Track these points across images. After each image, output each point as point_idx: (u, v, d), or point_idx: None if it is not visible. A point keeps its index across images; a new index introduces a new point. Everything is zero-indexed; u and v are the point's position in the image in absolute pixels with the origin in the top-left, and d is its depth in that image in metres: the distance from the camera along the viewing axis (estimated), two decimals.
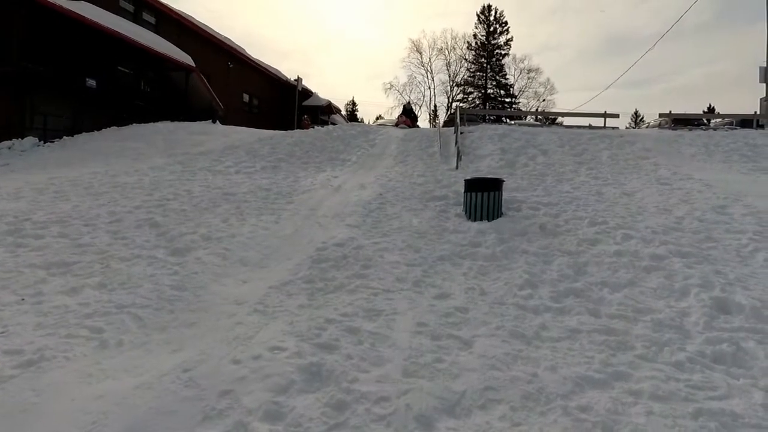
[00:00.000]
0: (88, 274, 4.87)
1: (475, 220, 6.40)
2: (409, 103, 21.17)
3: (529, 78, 48.45)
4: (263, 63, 28.86)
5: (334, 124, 20.42)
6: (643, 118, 53.36)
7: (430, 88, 51.34)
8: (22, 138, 14.74)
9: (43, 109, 15.66)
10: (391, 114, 41.90)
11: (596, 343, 3.39)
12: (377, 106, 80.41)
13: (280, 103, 29.48)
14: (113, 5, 18.43)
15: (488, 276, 4.73)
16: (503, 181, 6.71)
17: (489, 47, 47.25)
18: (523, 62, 48.90)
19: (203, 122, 18.08)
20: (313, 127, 16.60)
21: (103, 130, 16.44)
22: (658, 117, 18.07)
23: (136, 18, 19.64)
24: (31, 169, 11.64)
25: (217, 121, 19.46)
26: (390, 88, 55.72)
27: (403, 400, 2.67)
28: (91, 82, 17.18)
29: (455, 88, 48.89)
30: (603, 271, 4.69)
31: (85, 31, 16.18)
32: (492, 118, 22.76)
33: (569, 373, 2.95)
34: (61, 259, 5.23)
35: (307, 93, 29.40)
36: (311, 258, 5.35)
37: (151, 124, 17.16)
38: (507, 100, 46.92)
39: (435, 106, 49.79)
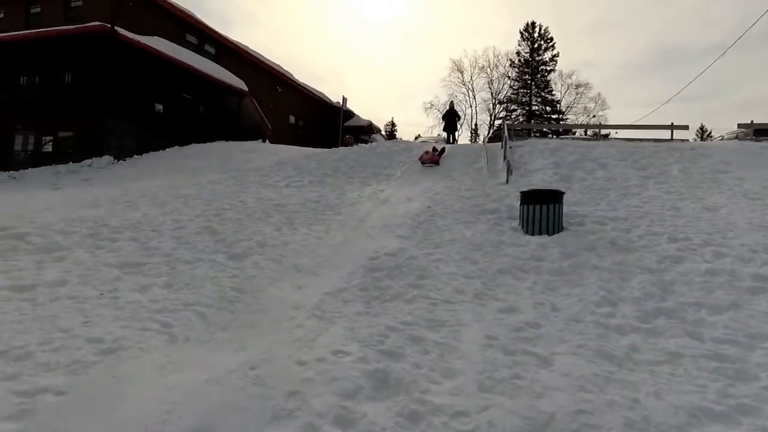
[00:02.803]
0: (156, 274, 5.10)
1: (533, 234, 6.17)
2: (452, 102, 19.99)
3: (577, 93, 46.93)
4: (308, 86, 29.84)
5: (374, 143, 20.61)
6: (711, 132, 50.57)
7: (471, 106, 50.52)
8: (100, 157, 15.97)
9: (117, 131, 16.86)
10: (431, 132, 41.53)
11: (706, 369, 3.08)
12: (416, 126, 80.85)
13: (323, 124, 30.29)
14: (180, 38, 19.74)
15: (557, 291, 4.50)
16: (563, 193, 6.45)
17: (533, 64, 46.36)
18: (570, 78, 47.58)
19: (254, 141, 18.82)
20: (357, 145, 16.80)
21: (168, 149, 17.51)
22: (736, 128, 16.85)
23: (198, 49, 20.90)
24: (107, 183, 12.58)
25: (267, 141, 20.15)
26: (430, 108, 55.54)
27: (484, 416, 2.52)
28: (159, 107, 18.37)
29: (498, 105, 48.32)
30: (695, 291, 4.33)
31: (156, 62, 17.40)
32: (538, 132, 22.17)
33: (679, 402, 2.68)
34: (133, 260, 5.56)
35: (349, 114, 30.01)
36: (364, 267, 5.32)
37: (208, 143, 18.04)
38: (554, 116, 45.67)
39: (476, 124, 49.28)
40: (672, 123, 13.63)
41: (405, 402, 2.63)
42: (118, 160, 16.28)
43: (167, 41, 18.27)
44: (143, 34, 17.13)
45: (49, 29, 16.72)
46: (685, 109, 59.89)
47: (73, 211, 8.10)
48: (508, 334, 3.60)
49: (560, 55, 47.44)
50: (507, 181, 9.32)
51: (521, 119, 44.01)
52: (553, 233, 6.09)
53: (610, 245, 5.50)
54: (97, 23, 15.95)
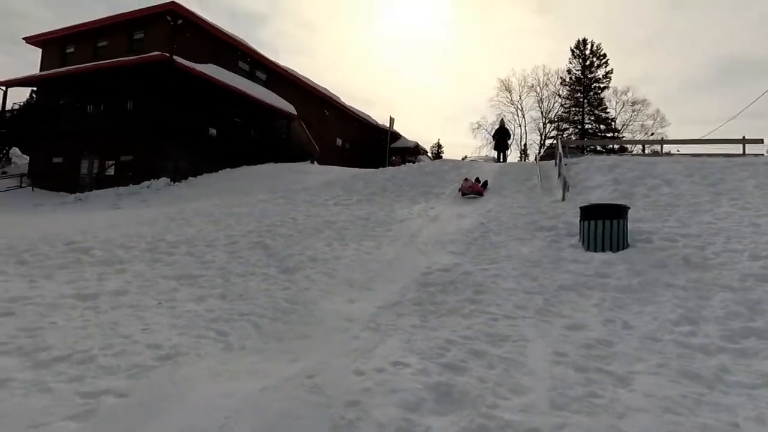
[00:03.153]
0: (211, 286, 5.18)
1: (595, 251, 5.82)
2: (503, 120, 19.34)
3: (633, 111, 44.50)
4: (355, 109, 30.43)
5: (422, 162, 20.51)
6: None
7: (520, 126, 49.27)
8: (158, 179, 16.86)
9: (173, 155, 17.78)
10: (479, 152, 40.76)
11: None
12: (462, 147, 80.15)
13: (370, 146, 30.66)
14: (233, 65, 20.76)
15: (627, 309, 4.17)
16: (628, 208, 6.08)
17: (585, 81, 44.52)
18: (625, 94, 45.01)
19: (302, 163, 19.23)
20: (404, 165, 16.78)
21: (220, 171, 18.24)
22: None
23: (250, 75, 21.86)
24: (164, 203, 13.20)
25: (315, 162, 20.57)
26: (477, 128, 54.34)
27: None
28: (212, 131, 19.27)
29: (548, 124, 46.88)
30: None
31: (209, 88, 18.36)
32: (592, 150, 21.23)
33: None
34: (188, 272, 5.69)
35: (395, 135, 30.27)
36: (417, 282, 5.18)
37: (258, 165, 18.61)
38: (608, 134, 43.59)
39: (525, 144, 48.01)
40: (744, 137, 12.74)
41: (472, 417, 2.44)
42: (174, 182, 17.07)
43: (221, 68, 19.24)
44: (198, 62, 18.13)
45: (113, 60, 18.03)
46: (753, 126, 55.74)
47: (132, 228, 8.46)
48: (577, 351, 3.32)
49: (614, 71, 44.71)
50: (563, 198, 8.96)
51: (574, 138, 42.51)
52: (618, 250, 5.71)
53: (683, 262, 5.09)
54: (156, 53, 17.04)
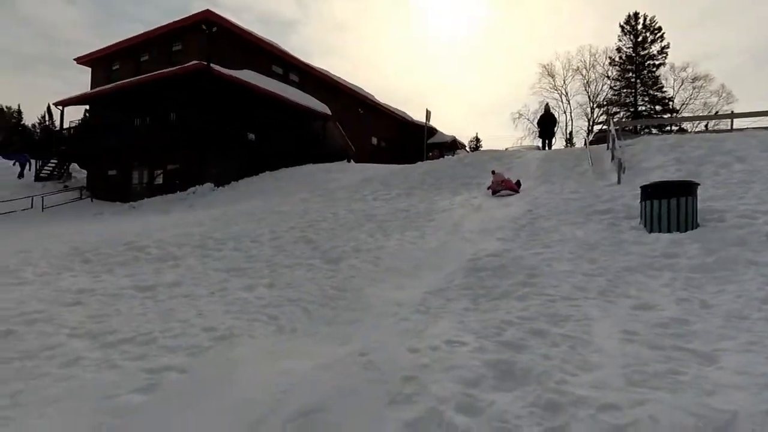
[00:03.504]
0: (259, 276, 5.26)
1: (660, 232, 5.46)
2: (548, 105, 18.12)
3: (694, 88, 40.08)
4: (390, 106, 30.36)
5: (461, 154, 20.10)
6: None
7: (565, 112, 46.20)
8: (202, 185, 17.46)
9: (215, 161, 18.36)
10: (521, 143, 38.88)
11: None
12: (501, 139, 78.10)
13: (405, 142, 30.50)
14: (267, 70, 21.19)
15: (704, 288, 3.86)
16: (697, 184, 5.66)
17: (638, 59, 40.66)
18: (684, 71, 40.45)
19: (339, 162, 19.38)
20: (443, 158, 16.50)
21: (260, 174, 18.64)
22: None
23: (284, 78, 22.24)
24: (208, 207, 13.64)
25: (351, 161, 20.67)
26: (518, 118, 51.69)
27: (642, 410, 2.10)
28: (251, 136, 19.75)
29: (596, 109, 43.06)
30: None
31: (246, 94, 18.82)
32: (647, 130, 19.88)
33: None
34: (237, 265, 5.81)
35: (432, 131, 29.99)
36: (465, 268, 5.02)
37: (296, 167, 18.89)
38: (665, 116, 39.02)
39: (571, 132, 45.53)
40: None
41: (539, 392, 2.28)
42: (218, 187, 17.62)
43: (255, 73, 19.64)
44: (234, 69, 18.59)
45: (154, 73, 18.76)
46: None
47: (182, 229, 8.74)
48: (650, 330, 3.08)
49: (670, 46, 40.57)
50: (618, 182, 8.51)
51: (625, 126, 39.59)
52: (686, 230, 5.32)
53: (767, 239, 4.69)
54: (194, 62, 17.60)
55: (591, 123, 43.17)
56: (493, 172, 10.03)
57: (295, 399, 2.36)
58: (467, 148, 36.20)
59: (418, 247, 6.22)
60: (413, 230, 7.06)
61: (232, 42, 19.79)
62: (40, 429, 2.33)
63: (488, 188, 9.74)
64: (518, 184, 9.61)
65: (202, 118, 17.82)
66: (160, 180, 19.40)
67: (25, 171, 22.98)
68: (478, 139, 52.97)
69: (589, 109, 43.96)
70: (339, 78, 26.03)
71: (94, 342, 3.42)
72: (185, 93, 18.26)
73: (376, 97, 29.20)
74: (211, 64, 17.38)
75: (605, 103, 42.48)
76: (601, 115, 42.25)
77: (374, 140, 29.09)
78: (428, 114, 21.90)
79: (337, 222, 8.09)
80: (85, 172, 22.81)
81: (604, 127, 24.82)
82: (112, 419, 2.37)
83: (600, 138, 16.41)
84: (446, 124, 77.67)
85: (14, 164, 23.52)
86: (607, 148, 11.49)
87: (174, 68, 18.32)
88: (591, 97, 43.82)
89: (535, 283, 4.31)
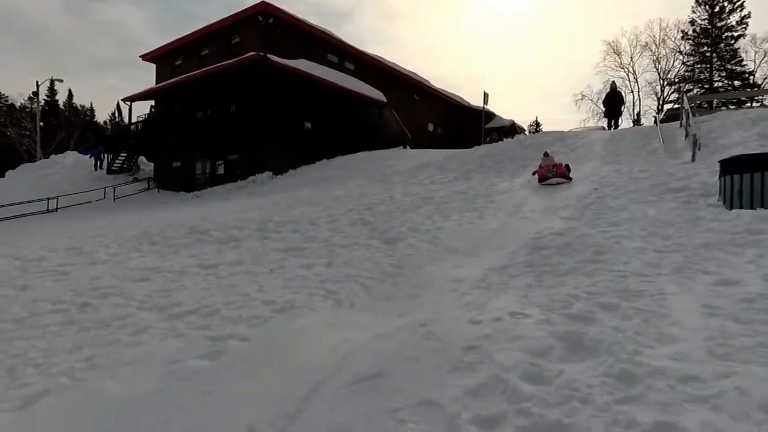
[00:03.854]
0: (317, 256, 5.34)
1: (741, 208, 4.97)
2: (614, 83, 16.82)
3: None
4: (446, 91, 29.77)
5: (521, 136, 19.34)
6: None
7: (632, 92, 43.08)
8: (261, 173, 18.05)
9: (274, 150, 18.88)
10: (584, 125, 36.73)
11: None
12: (563, 123, 74.53)
13: (462, 128, 29.82)
14: (322, 58, 21.38)
15: None
16: None
17: (714, 32, 36.71)
18: None
19: (395, 149, 19.32)
20: (501, 141, 15.98)
21: (317, 162, 18.95)
22: None
23: (339, 66, 22.35)
24: (267, 194, 14.08)
25: (407, 147, 20.55)
26: (581, 99, 48.84)
27: (728, 382, 1.92)
28: (307, 125, 20.11)
29: (667, 87, 39.51)
30: None
31: (302, 83, 19.14)
32: (723, 105, 18.01)
33: None
34: (296, 245, 5.95)
35: (490, 115, 29.13)
36: (527, 246, 4.84)
37: (352, 155, 19.03)
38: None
39: (639, 113, 42.40)
40: None
41: (611, 363, 2.14)
42: (276, 175, 18.13)
43: (311, 62, 19.90)
44: (290, 59, 18.91)
45: (214, 66, 19.45)
46: None
47: (243, 214, 9.07)
48: (735, 305, 2.80)
49: (751, 15, 36.26)
50: (693, 159, 7.85)
51: (699, 102, 36.23)
52: None
53: None
54: (252, 53, 18.07)
55: (661, 102, 39.95)
56: (546, 155, 8.58)
57: (355, 365, 2.36)
58: (527, 132, 34.87)
59: (477, 227, 6.07)
60: (472, 211, 6.91)
61: (288, 32, 20.12)
62: (113, 389, 2.48)
63: (534, 173, 8.42)
64: (567, 168, 8.30)
65: (260, 108, 18.35)
66: (221, 170, 20.25)
67: (103, 163, 24.80)
68: (538, 123, 50.86)
69: (658, 88, 40.69)
70: (394, 64, 25.83)
71: (161, 313, 3.61)
72: (244, 85, 18.86)
73: (431, 82, 28.74)
74: (269, 55, 17.79)
75: (677, 80, 39.08)
76: (672, 93, 38.95)
77: (430, 126, 28.73)
78: (486, 97, 21.19)
79: (393, 205, 8.08)
80: (152, 164, 24.25)
81: (675, 105, 22.90)
82: (178, 381, 2.48)
83: (671, 116, 15.21)
84: (504, 110, 75.25)
85: (90, 158, 25.45)
86: (680, 125, 10.63)
87: (232, 60, 18.92)
88: (661, 75, 40.47)
89: (603, 260, 4.06)
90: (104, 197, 19.91)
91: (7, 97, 46.98)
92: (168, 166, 22.50)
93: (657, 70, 40.65)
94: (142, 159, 25.46)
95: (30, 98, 41.59)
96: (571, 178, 7.94)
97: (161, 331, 3.17)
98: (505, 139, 15.36)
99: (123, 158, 24.59)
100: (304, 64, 19.32)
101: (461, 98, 31.20)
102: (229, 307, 3.55)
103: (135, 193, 21.03)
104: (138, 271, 5.05)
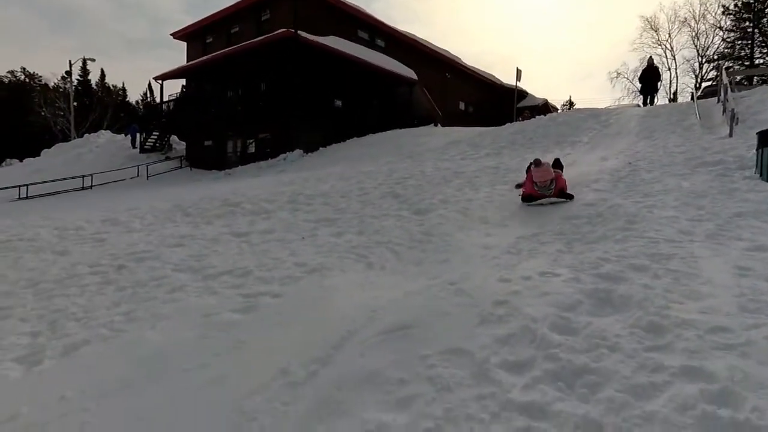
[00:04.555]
0: (348, 226, 5.45)
1: None
2: (651, 59, 15.95)
3: None
4: (477, 69, 29.14)
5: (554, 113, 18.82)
6: None
7: (669, 69, 41.27)
8: (292, 151, 18.24)
9: (304, 129, 19.01)
10: (618, 103, 35.31)
11: None
12: (596, 101, 71.69)
13: (494, 106, 29.24)
14: (353, 35, 21.16)
15: None
16: None
17: (756, 6, 34.45)
18: None
19: (426, 127, 19.15)
20: (534, 118, 15.63)
21: (347, 141, 18.98)
22: None
23: (370, 43, 22.09)
24: (298, 171, 14.29)
25: (438, 125, 20.34)
26: (616, 77, 46.78)
27: (757, 332, 1.94)
28: (338, 103, 20.12)
29: (705, 65, 37.66)
30: None
31: (332, 60, 19.07)
32: (763, 80, 16.97)
33: None
34: (326, 216, 6.07)
35: (522, 93, 28.42)
36: (559, 216, 4.84)
37: (382, 133, 18.95)
38: None
39: (675, 91, 40.43)
40: None
41: (639, 316, 2.17)
42: (306, 153, 18.30)
43: (341, 39, 19.73)
44: (320, 35, 18.80)
45: (244, 44, 19.51)
46: None
47: (274, 188, 9.26)
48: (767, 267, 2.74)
49: None
50: (730, 134, 7.56)
51: (738, 77, 34.24)
52: None
53: None
54: (281, 30, 18.03)
55: (699, 80, 38.03)
56: (539, 164, 5.62)
57: (385, 318, 2.45)
58: (560, 112, 33.95)
59: (508, 199, 6.06)
60: (503, 185, 6.89)
61: (318, 8, 19.96)
62: (153, 338, 2.64)
63: (518, 186, 6.33)
64: (557, 165, 6.35)
65: (291, 86, 18.42)
66: (252, 149, 20.56)
67: (136, 142, 25.54)
68: (571, 103, 49.28)
69: (696, 65, 38.67)
70: (425, 41, 25.36)
71: (196, 275, 3.78)
72: (274, 63, 18.95)
73: (463, 60, 28.15)
74: (299, 32, 17.76)
75: (716, 57, 37.05)
76: (711, 70, 37.00)
77: (461, 105, 28.26)
78: (519, 73, 20.60)
79: (424, 179, 8.10)
80: (184, 143, 24.77)
81: (714, 82, 21.70)
82: (214, 332, 2.63)
83: (709, 93, 14.55)
84: (537, 89, 73.36)
85: (126, 136, 26.25)
86: (718, 101, 10.19)
87: (262, 37, 18.95)
88: (699, 51, 38.39)
89: (635, 228, 4.02)
90: (138, 175, 20.51)
91: (40, 77, 48.48)
92: (199, 144, 22.95)
93: (696, 46, 38.64)
94: (174, 138, 26.00)
95: (63, 78, 42.68)
96: (572, 196, 5.44)
97: (196, 289, 3.34)
98: (537, 117, 15.03)
99: (155, 137, 25.15)
100: (334, 41, 19.19)
101: (493, 77, 30.48)
102: (261, 269, 3.70)
103: (167, 171, 21.60)
104: (172, 238, 5.26)
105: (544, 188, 5.40)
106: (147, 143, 25.08)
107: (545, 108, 29.06)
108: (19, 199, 15.83)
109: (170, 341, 2.54)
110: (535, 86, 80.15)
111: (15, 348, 2.61)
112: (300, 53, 18.08)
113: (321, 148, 18.61)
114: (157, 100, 25.42)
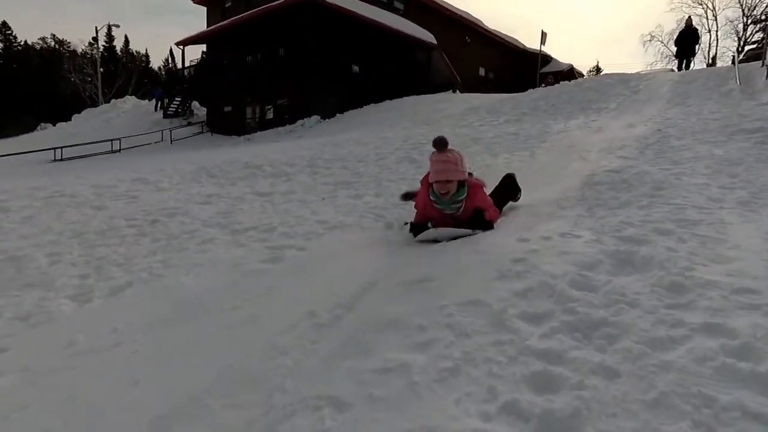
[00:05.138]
0: (366, 189, 5.51)
1: None
2: (690, 19, 15.07)
3: None
4: (499, 33, 28.21)
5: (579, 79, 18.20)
6: None
7: (709, 31, 38.81)
8: (309, 117, 18.23)
9: (322, 95, 18.89)
10: (651, 68, 33.54)
11: None
12: (626, 67, 68.63)
13: (515, 71, 28.41)
14: None
15: None
16: None
17: None
18: None
19: (444, 93, 18.83)
20: (559, 84, 15.19)
21: (364, 107, 18.85)
22: None
23: (388, 6, 21.55)
24: (315, 137, 14.35)
25: (457, 91, 19.97)
26: (650, 40, 43.88)
27: None
28: (355, 68, 19.84)
29: (750, 26, 34.97)
30: None
31: (350, 24, 18.68)
32: None
33: None
34: (345, 180, 6.14)
35: (546, 58, 27.49)
36: (580, 182, 4.72)
37: (399, 99, 18.74)
38: None
39: (715, 56, 38.08)
40: None
41: (661, 275, 2.15)
42: (324, 119, 18.27)
43: (359, 1, 19.26)
44: None
45: (262, 7, 19.23)
46: None
47: (293, 153, 9.34)
48: None
49: None
50: None
51: None
52: None
53: None
54: None
55: (742, 42, 35.80)
56: (440, 146, 3.54)
57: (405, 271, 2.49)
58: (585, 77, 32.82)
59: (527, 165, 5.99)
60: (522, 150, 6.80)
61: None
62: (188, 282, 2.78)
63: (406, 197, 4.07)
64: (512, 183, 4.18)
65: (308, 51, 18.22)
66: (270, 114, 20.60)
67: (159, 105, 25.86)
68: (598, 69, 47.46)
69: (740, 26, 36.36)
70: (445, 3, 24.63)
71: (224, 230, 3.92)
72: (292, 27, 18.71)
73: (484, 22, 27.30)
74: None
75: (764, 16, 34.81)
76: (757, 32, 34.83)
77: (481, 71, 27.55)
78: (543, 36, 19.91)
79: None
80: (205, 109, 24.98)
81: (759, 45, 20.58)
82: (244, 279, 2.76)
83: (752, 56, 13.84)
84: (562, 54, 70.61)
85: (150, 100, 26.64)
86: (762, 65, 9.71)
87: (281, 0, 18.66)
88: (745, 11, 36.05)
89: (661, 195, 3.93)
90: (162, 140, 20.99)
91: (69, 43, 49.11)
92: (220, 110, 23.10)
93: (741, 5, 36.14)
94: (195, 104, 26.22)
95: (90, 44, 43.27)
96: (491, 225, 3.25)
97: (225, 242, 3.49)
98: (561, 83, 14.61)
99: (177, 103, 25.38)
100: (352, 3, 18.80)
101: (516, 41, 29.53)
102: (284, 226, 3.82)
103: (189, 136, 22.00)
104: (199, 196, 5.44)
105: (444, 203, 3.18)
106: (170, 109, 25.40)
107: (570, 74, 28.13)
108: (55, 160, 16.59)
109: (204, 286, 2.73)
110: (560, 52, 77.34)
111: (67, 288, 2.88)
112: (317, 16, 17.78)
113: (338, 114, 18.56)
114: (179, 65, 25.47)
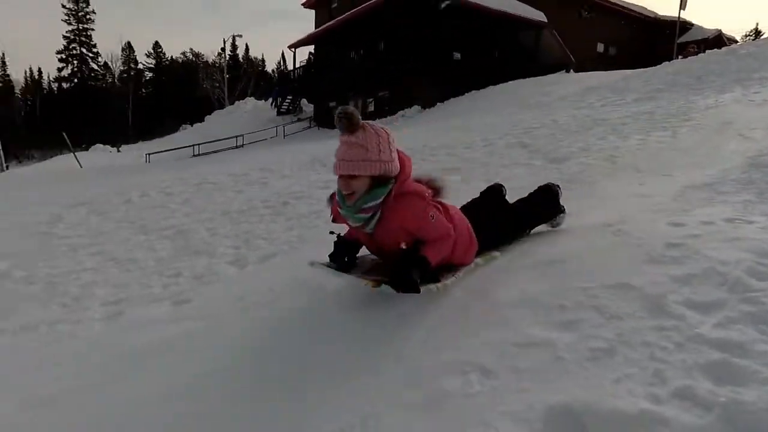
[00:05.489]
0: (472, 174, 5.40)
1: None
2: None
3: None
4: (622, 1, 25.49)
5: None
6: None
7: None
8: (410, 107, 18.40)
9: (422, 85, 18.89)
10: None
11: None
12: None
13: (643, 45, 25.39)
14: None
15: None
16: None
17: None
18: None
19: (555, 74, 17.74)
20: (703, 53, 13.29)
21: (465, 94, 18.48)
22: None
23: None
24: (415, 126, 14.38)
25: (571, 71, 18.70)
26: None
27: None
28: (456, 56, 19.50)
29: None
30: None
31: (451, 9, 18.31)
32: None
33: None
34: (452, 166, 6.07)
35: (684, 26, 24.17)
36: (744, 164, 4.02)
37: (504, 84, 18.04)
38: None
39: None
40: None
41: None
42: (424, 109, 18.27)
43: None
44: None
45: (364, 5, 19.59)
46: None
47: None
48: None
49: None
50: None
51: None
52: None
53: None
54: None
55: None
56: (348, 121, 1.88)
57: (536, 252, 2.37)
58: (739, 43, 28.51)
59: (668, 146, 5.29)
60: (660, 131, 6.00)
61: None
62: (321, 255, 2.94)
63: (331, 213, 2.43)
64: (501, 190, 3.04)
65: (409, 42, 18.30)
66: (371, 107, 21.15)
67: (276, 103, 28.34)
68: (757, 32, 41.12)
69: None
70: None
71: None
72: (394, 19, 18.90)
73: None
74: None
75: None
76: None
77: (600, 47, 25.19)
78: (683, 1, 17.54)
79: (558, 127, 7.52)
80: (312, 105, 26.61)
81: None
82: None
83: None
84: (707, 18, 61.88)
85: (267, 100, 29.39)
86: None
87: None
88: None
89: None
90: (276, 135, 23.10)
91: (203, 55, 56.41)
92: (325, 106, 24.29)
93: None
94: (303, 101, 28.08)
95: (219, 54, 49.06)
96: (428, 267, 1.90)
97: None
98: (707, 52, 12.89)
99: (289, 101, 27.47)
100: None
101: (644, 9, 26.45)
102: None
103: (299, 131, 23.88)
104: (319, 182, 5.85)
105: (347, 210, 2.04)
106: (282, 107, 27.69)
107: (718, 41, 24.55)
108: (194, 156, 19.96)
109: None
110: (704, 16, 67.71)
111: (226, 255, 3.56)
112: (417, 6, 17.73)
113: (438, 104, 18.42)
114: (290, 67, 27.49)
